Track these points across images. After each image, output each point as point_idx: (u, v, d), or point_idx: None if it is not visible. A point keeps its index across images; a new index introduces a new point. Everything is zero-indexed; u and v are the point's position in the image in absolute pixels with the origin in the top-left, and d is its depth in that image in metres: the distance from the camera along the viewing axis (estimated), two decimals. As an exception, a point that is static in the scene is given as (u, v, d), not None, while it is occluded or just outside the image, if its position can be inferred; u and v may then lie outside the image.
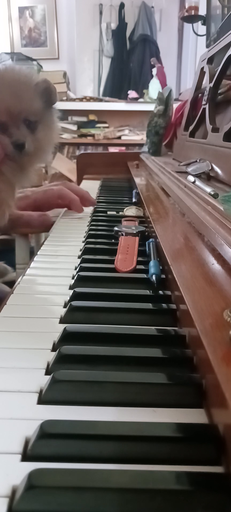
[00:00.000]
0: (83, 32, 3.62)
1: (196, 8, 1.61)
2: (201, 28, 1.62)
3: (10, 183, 0.60)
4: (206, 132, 0.76)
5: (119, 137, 3.32)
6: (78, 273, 0.47)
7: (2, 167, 0.58)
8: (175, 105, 1.28)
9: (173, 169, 0.82)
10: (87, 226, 0.72)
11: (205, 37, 1.46)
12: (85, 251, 0.57)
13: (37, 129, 0.60)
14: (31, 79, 0.60)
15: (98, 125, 3.33)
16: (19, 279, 0.48)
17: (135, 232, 0.61)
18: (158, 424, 0.24)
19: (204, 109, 0.81)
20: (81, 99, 3.34)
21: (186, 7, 1.64)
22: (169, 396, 0.27)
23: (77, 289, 0.43)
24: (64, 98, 3.19)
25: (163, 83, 2.86)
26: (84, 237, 0.65)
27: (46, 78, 0.62)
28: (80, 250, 0.58)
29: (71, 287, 0.45)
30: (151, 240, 0.56)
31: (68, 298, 0.41)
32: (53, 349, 0.33)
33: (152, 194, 0.80)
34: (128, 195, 1.02)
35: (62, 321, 0.38)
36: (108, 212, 0.82)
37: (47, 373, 0.30)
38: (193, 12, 1.62)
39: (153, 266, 0.45)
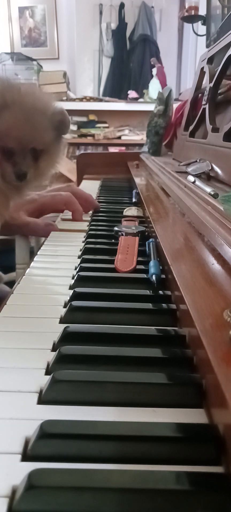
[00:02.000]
0: (83, 32, 3.62)
1: (196, 8, 1.61)
2: (201, 28, 1.61)
3: (5, 195, 0.59)
4: (206, 132, 0.76)
5: (119, 137, 3.31)
6: (78, 273, 0.47)
7: None
8: (175, 105, 1.28)
9: (173, 169, 0.82)
10: (87, 226, 0.72)
11: (205, 37, 1.46)
12: (85, 251, 0.57)
13: (41, 158, 0.57)
14: (49, 108, 0.58)
15: (98, 125, 3.33)
16: (19, 279, 0.48)
17: (135, 232, 0.61)
18: (158, 424, 0.24)
19: (204, 109, 0.81)
20: (81, 99, 3.33)
21: (186, 7, 1.64)
22: (169, 396, 0.27)
23: (77, 289, 0.43)
24: (64, 98, 3.19)
25: (163, 83, 2.86)
26: (84, 237, 0.65)
27: (63, 110, 0.60)
28: (80, 250, 0.58)
29: (71, 287, 0.45)
30: (151, 240, 0.56)
31: (68, 298, 0.41)
32: (53, 349, 0.33)
33: (152, 194, 0.80)
34: (128, 195, 1.02)
35: (62, 321, 0.38)
36: (109, 212, 0.82)
37: (47, 373, 0.30)
38: (193, 12, 1.61)
39: (153, 266, 0.45)
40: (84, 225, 0.73)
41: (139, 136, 3.24)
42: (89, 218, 0.77)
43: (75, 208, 0.77)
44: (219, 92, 0.79)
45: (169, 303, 0.40)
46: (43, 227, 0.72)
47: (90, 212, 0.82)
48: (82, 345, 0.33)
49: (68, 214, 0.79)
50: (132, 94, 3.39)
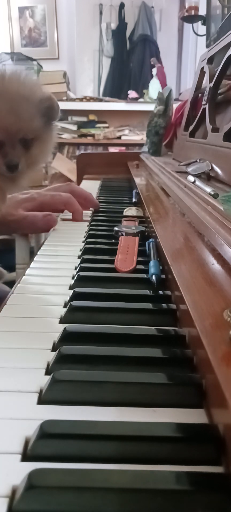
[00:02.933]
0: (83, 32, 3.62)
1: (196, 8, 1.61)
2: (201, 28, 1.61)
3: (0, 188, 0.59)
4: (206, 132, 0.76)
5: (119, 137, 3.31)
6: (78, 273, 0.47)
7: None
8: (175, 105, 1.28)
9: (173, 169, 0.82)
10: (87, 226, 0.72)
11: (205, 37, 1.46)
12: (85, 251, 0.57)
13: (33, 146, 0.57)
14: (36, 94, 0.57)
15: (98, 125, 3.33)
16: (19, 279, 0.48)
17: (135, 232, 0.61)
18: (158, 424, 0.24)
19: (204, 109, 0.81)
20: (81, 99, 3.33)
21: (186, 7, 1.64)
22: (169, 396, 0.27)
23: (77, 289, 0.43)
24: (64, 98, 3.19)
25: (163, 83, 2.85)
26: (84, 237, 0.65)
27: (51, 95, 0.59)
28: (80, 250, 0.58)
29: (71, 287, 0.45)
30: (151, 240, 0.56)
31: (68, 298, 0.41)
32: (53, 349, 0.33)
33: (152, 194, 0.80)
34: (128, 195, 1.02)
35: (62, 321, 0.38)
36: (109, 212, 0.82)
37: (47, 373, 0.30)
38: (193, 12, 1.62)
39: (153, 266, 0.45)
40: (84, 225, 0.73)
41: (139, 136, 3.24)
42: (89, 218, 0.77)
43: (75, 209, 0.77)
44: (219, 92, 0.79)
45: (169, 303, 0.40)
46: (42, 218, 0.72)
47: (90, 212, 0.82)
48: (82, 345, 0.33)
49: (68, 214, 0.79)
50: (132, 94, 3.39)
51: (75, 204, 0.77)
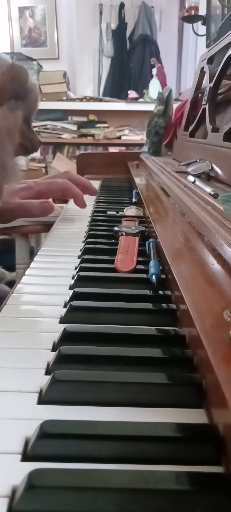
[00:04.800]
0: (83, 32, 3.62)
1: (196, 8, 1.61)
2: (201, 28, 1.61)
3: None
4: (206, 132, 0.76)
5: (119, 137, 3.31)
6: (78, 273, 0.47)
7: None
8: (175, 105, 1.28)
9: (173, 169, 0.82)
10: (87, 226, 0.72)
11: (205, 37, 1.46)
12: (85, 251, 0.57)
13: None
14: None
15: (98, 125, 3.33)
16: (19, 279, 0.48)
17: (135, 232, 0.61)
18: (158, 424, 0.24)
19: (204, 109, 0.81)
20: (81, 99, 3.33)
21: (186, 7, 1.64)
22: (169, 396, 0.27)
23: (77, 289, 0.43)
24: (64, 98, 3.19)
25: (163, 83, 2.85)
26: (84, 237, 0.65)
27: None
28: (80, 250, 0.58)
29: (71, 287, 0.45)
30: (151, 240, 0.56)
31: (68, 298, 0.41)
32: (53, 349, 0.33)
33: (152, 194, 0.80)
34: (128, 195, 1.02)
35: (62, 321, 0.38)
36: (108, 212, 0.82)
37: (47, 373, 0.30)
38: (193, 12, 1.61)
39: (153, 266, 0.45)
40: (84, 224, 0.73)
41: (139, 136, 3.24)
42: (89, 218, 0.77)
43: (75, 193, 0.74)
44: (219, 92, 0.79)
45: (169, 303, 0.40)
46: (38, 205, 0.70)
47: (91, 212, 0.82)
48: (82, 345, 0.33)
49: (67, 214, 0.79)
50: (132, 94, 3.39)
51: (74, 189, 0.74)
